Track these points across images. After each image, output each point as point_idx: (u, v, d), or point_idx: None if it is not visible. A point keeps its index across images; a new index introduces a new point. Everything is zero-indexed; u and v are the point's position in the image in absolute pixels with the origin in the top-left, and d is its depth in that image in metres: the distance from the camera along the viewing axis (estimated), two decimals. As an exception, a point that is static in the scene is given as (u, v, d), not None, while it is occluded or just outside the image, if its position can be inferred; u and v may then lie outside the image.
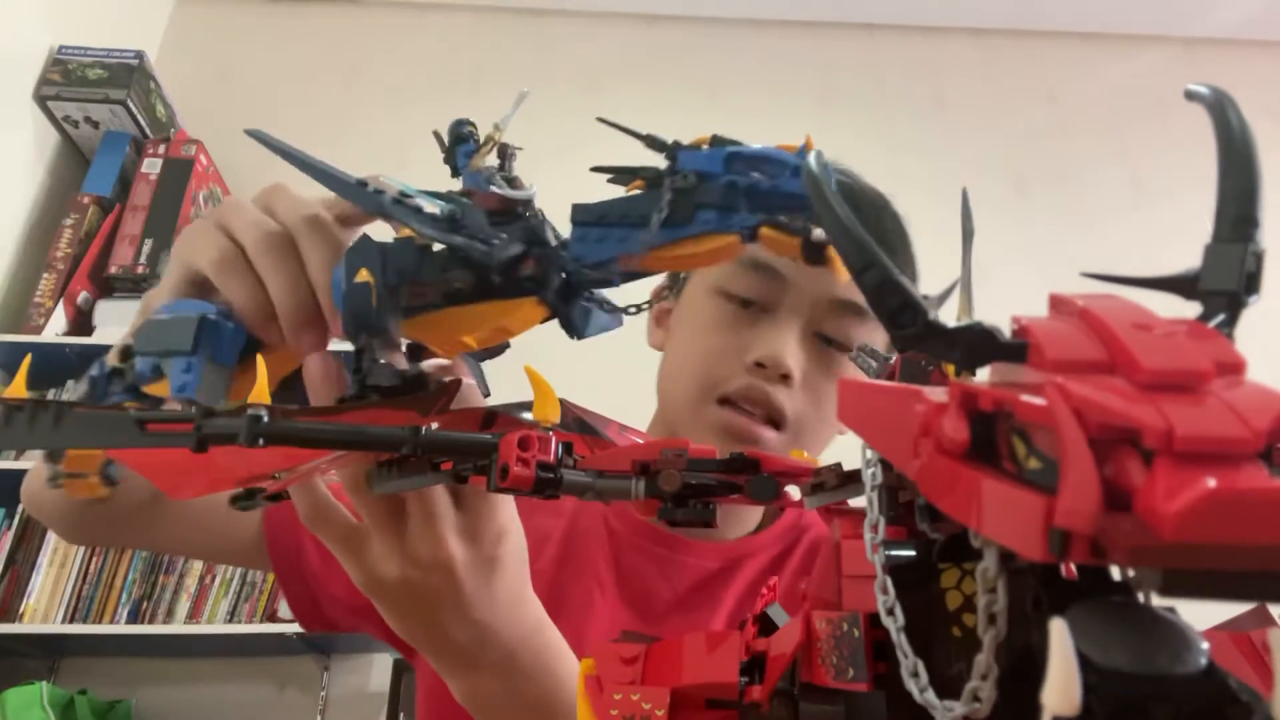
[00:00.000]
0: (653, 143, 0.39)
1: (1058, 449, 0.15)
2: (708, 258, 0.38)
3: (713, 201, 0.36)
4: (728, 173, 0.36)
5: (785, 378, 0.74)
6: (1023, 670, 0.21)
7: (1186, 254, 0.23)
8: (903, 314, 0.20)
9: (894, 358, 0.39)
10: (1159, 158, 2.42)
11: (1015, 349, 0.19)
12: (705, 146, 0.38)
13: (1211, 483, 0.13)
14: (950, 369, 0.40)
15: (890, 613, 0.27)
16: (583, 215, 0.39)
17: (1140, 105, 2.50)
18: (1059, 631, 0.15)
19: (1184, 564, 0.14)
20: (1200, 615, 0.19)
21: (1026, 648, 0.21)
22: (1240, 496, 0.13)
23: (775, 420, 0.76)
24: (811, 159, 0.23)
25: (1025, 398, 0.17)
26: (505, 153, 0.42)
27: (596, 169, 0.40)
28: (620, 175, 0.39)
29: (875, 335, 0.77)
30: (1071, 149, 2.50)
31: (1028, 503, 0.16)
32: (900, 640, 0.26)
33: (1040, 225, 2.34)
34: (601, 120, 0.42)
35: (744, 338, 0.76)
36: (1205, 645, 0.17)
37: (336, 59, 2.49)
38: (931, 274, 0.74)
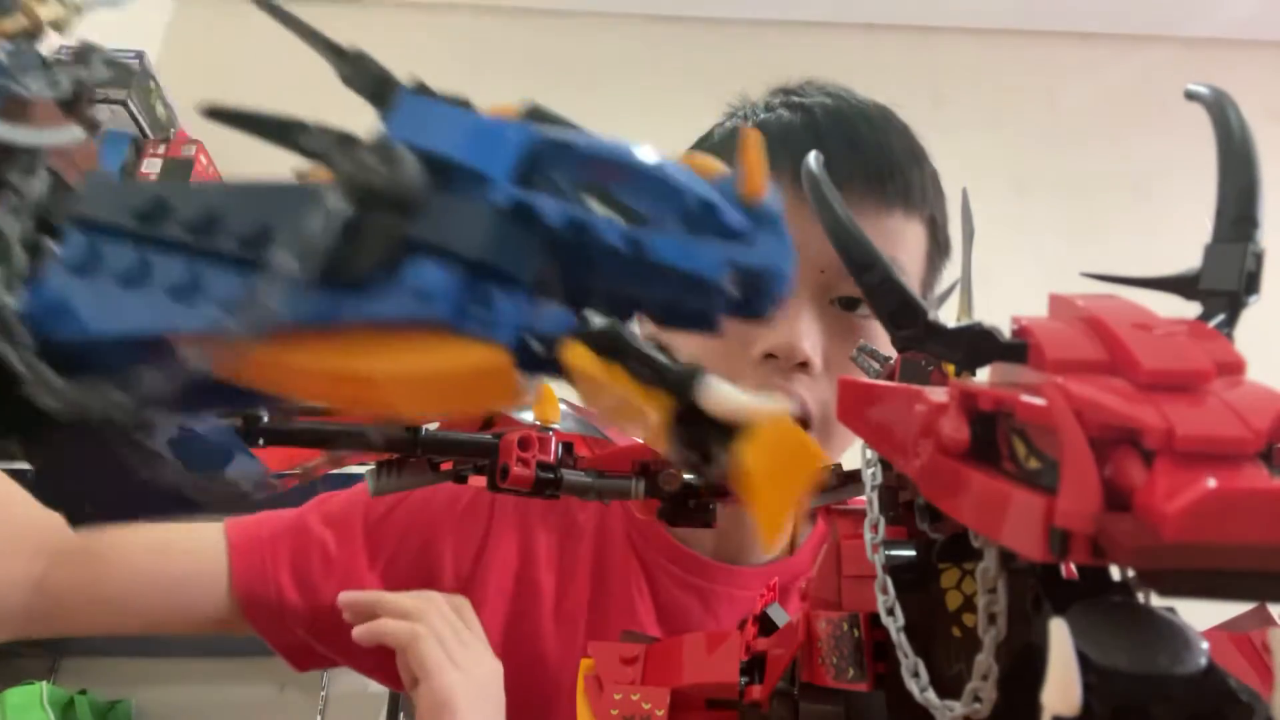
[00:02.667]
0: (335, 55, 0.25)
1: (1058, 449, 0.15)
2: (412, 393, 0.20)
3: (457, 242, 0.19)
4: (526, 181, 0.20)
5: (802, 365, 0.61)
6: (1023, 670, 0.21)
7: (1186, 254, 0.23)
8: (903, 314, 0.20)
9: (894, 358, 0.39)
10: (1159, 158, 2.42)
11: (1015, 349, 0.19)
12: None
13: (1212, 483, 0.13)
14: (950, 369, 0.40)
15: (890, 613, 0.27)
16: (103, 210, 0.23)
17: (1140, 105, 2.50)
18: (1059, 631, 0.15)
19: (1184, 564, 0.13)
20: (1200, 615, 0.19)
21: (1027, 648, 0.21)
22: (1240, 496, 0.13)
23: (800, 418, 0.62)
24: (811, 159, 0.23)
25: (1025, 398, 0.17)
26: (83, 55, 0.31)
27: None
28: (270, 133, 0.24)
29: None
30: (1071, 149, 2.49)
31: (1028, 503, 0.16)
32: (900, 640, 0.26)
33: (1040, 225, 2.34)
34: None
35: (746, 327, 0.62)
36: (1205, 645, 0.17)
37: (336, 59, 2.49)
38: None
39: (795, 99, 0.69)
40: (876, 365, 0.54)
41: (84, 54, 0.31)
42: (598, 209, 0.21)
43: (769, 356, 0.62)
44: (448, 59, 2.57)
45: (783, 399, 0.59)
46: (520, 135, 0.21)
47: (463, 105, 0.22)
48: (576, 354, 0.20)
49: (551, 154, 0.21)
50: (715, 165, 0.22)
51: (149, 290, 0.22)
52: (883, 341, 0.67)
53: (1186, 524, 0.13)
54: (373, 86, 0.23)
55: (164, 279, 0.21)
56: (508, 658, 0.67)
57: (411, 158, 0.20)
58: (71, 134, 0.27)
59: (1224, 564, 0.14)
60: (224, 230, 0.21)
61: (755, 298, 0.20)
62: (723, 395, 0.19)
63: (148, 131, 2.42)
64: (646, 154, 0.21)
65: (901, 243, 0.65)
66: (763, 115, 0.69)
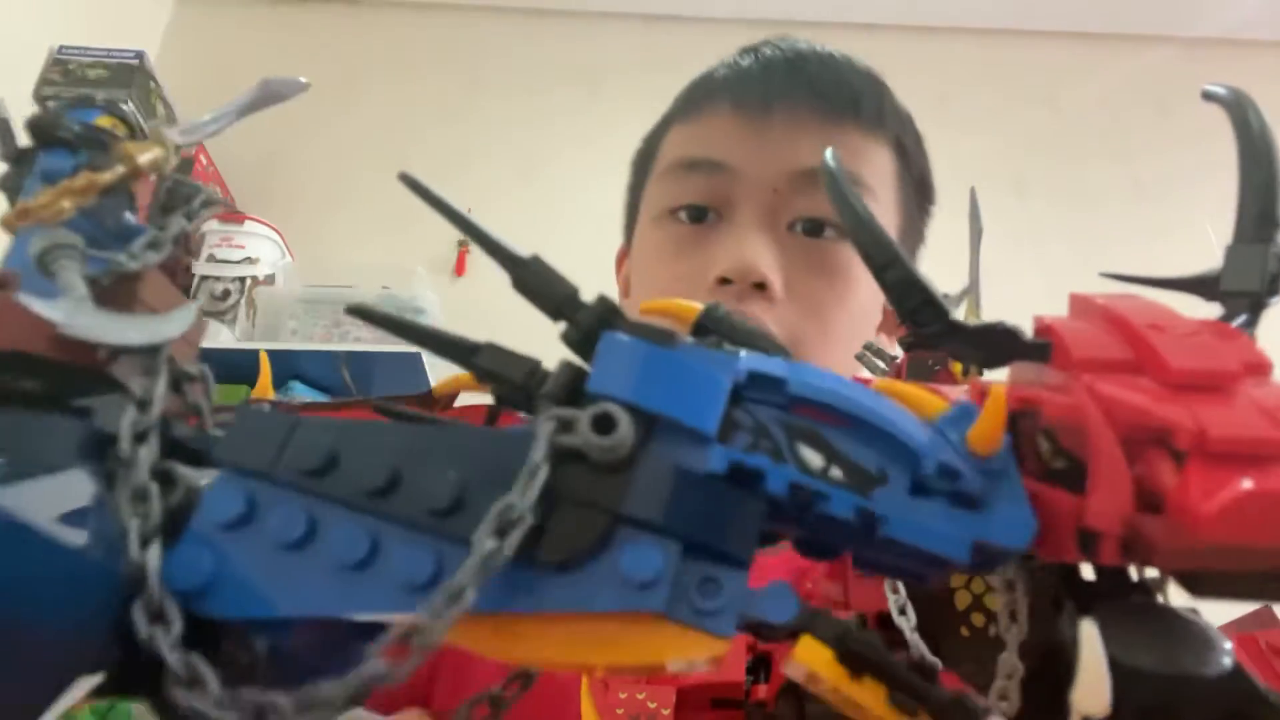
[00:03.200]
0: (511, 262, 0.22)
1: (1086, 449, 0.15)
2: (608, 672, 0.20)
3: (673, 518, 0.18)
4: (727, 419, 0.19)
5: (761, 288, 0.57)
6: (1040, 671, 0.21)
7: (1187, 253, 0.23)
8: (924, 312, 0.20)
9: (900, 357, 0.38)
10: (1160, 158, 2.42)
11: (1039, 348, 0.19)
12: (687, 337, 0.21)
13: (1248, 483, 0.13)
14: (957, 368, 0.40)
15: (902, 612, 0.27)
16: (260, 457, 0.19)
17: (1141, 106, 2.50)
18: (1090, 632, 0.15)
19: (1218, 565, 0.13)
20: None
21: (1044, 648, 0.21)
22: (1276, 497, 0.13)
23: None
24: (828, 155, 0.23)
25: (1053, 397, 0.16)
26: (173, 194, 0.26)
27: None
28: (478, 369, 0.21)
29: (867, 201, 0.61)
30: (1072, 149, 2.49)
31: (1056, 503, 0.16)
32: (915, 639, 0.26)
33: (1041, 225, 2.34)
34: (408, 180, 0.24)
35: (702, 256, 0.59)
36: (1229, 646, 0.17)
37: (336, 59, 2.48)
38: (933, 273, 0.72)
39: (753, 48, 0.68)
40: (882, 365, 0.54)
41: (183, 192, 0.27)
42: (810, 456, 0.18)
43: (724, 281, 0.57)
44: (448, 59, 2.56)
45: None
46: (728, 376, 0.19)
47: (664, 338, 0.20)
48: (814, 656, 0.17)
49: (757, 389, 0.19)
50: (933, 401, 0.19)
51: (317, 559, 0.18)
52: (856, 267, 0.59)
53: (1223, 525, 0.13)
54: (553, 302, 0.21)
55: (336, 547, 0.18)
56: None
57: (627, 420, 0.18)
58: (190, 315, 0.22)
59: (1257, 565, 0.13)
60: (410, 495, 0.18)
61: (985, 563, 0.18)
62: None
63: (148, 132, 2.41)
64: (865, 396, 0.19)
65: (862, 160, 0.61)
66: (721, 71, 0.68)
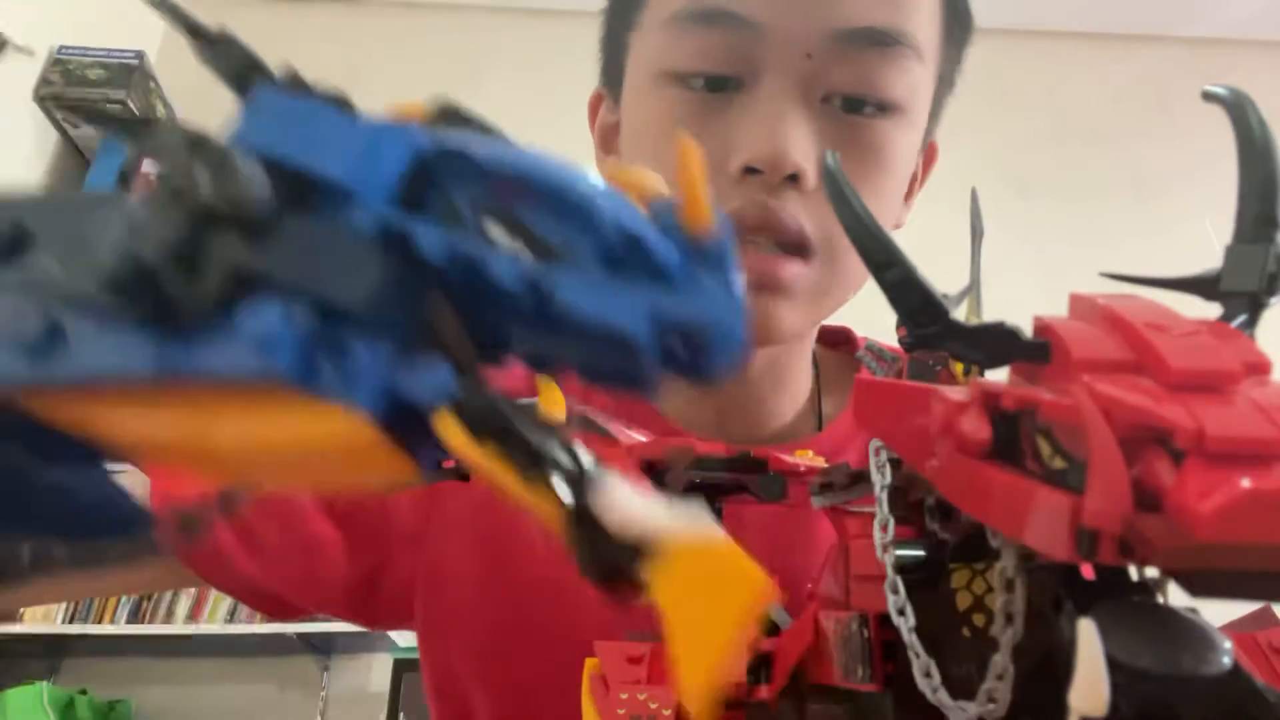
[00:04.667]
0: (195, 35, 0.20)
1: (1085, 449, 0.15)
2: (265, 465, 0.18)
3: (306, 277, 0.16)
4: (417, 204, 0.17)
5: (793, 179, 0.48)
6: (1042, 670, 0.21)
7: (1188, 250, 0.23)
8: (923, 313, 0.20)
9: (902, 357, 0.38)
10: (1159, 158, 2.42)
11: (1038, 349, 0.19)
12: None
13: (1246, 482, 0.13)
14: (959, 368, 0.40)
15: (901, 613, 0.27)
16: None
17: (1141, 105, 2.50)
18: (1088, 632, 0.15)
19: (1216, 564, 0.13)
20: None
21: (1046, 648, 0.21)
22: (1274, 496, 0.13)
23: (795, 245, 0.50)
24: (828, 157, 0.23)
25: (1052, 397, 0.17)
26: None
27: None
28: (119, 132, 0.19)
29: (911, 69, 0.50)
30: (1072, 149, 2.50)
31: (1055, 502, 0.16)
32: (912, 640, 0.26)
33: (1040, 225, 2.35)
34: None
35: (721, 136, 0.50)
36: (1229, 645, 0.17)
37: (336, 59, 2.49)
38: (933, 273, 0.72)
39: None
40: (883, 365, 0.54)
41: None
42: (495, 233, 0.17)
43: (750, 171, 0.49)
44: (448, 59, 2.57)
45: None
46: (404, 143, 0.17)
47: (339, 102, 0.18)
48: (447, 429, 0.16)
49: (446, 167, 0.17)
50: (654, 183, 0.18)
51: None
52: (893, 147, 0.51)
53: (1221, 524, 0.13)
54: (236, 73, 0.19)
55: None
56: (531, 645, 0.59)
57: (255, 169, 0.16)
58: None
59: (1255, 564, 0.13)
60: (27, 248, 0.17)
61: (700, 356, 0.16)
62: (623, 509, 0.15)
63: (147, 131, 2.41)
64: (564, 169, 0.17)
65: (912, 11, 0.50)
66: None
